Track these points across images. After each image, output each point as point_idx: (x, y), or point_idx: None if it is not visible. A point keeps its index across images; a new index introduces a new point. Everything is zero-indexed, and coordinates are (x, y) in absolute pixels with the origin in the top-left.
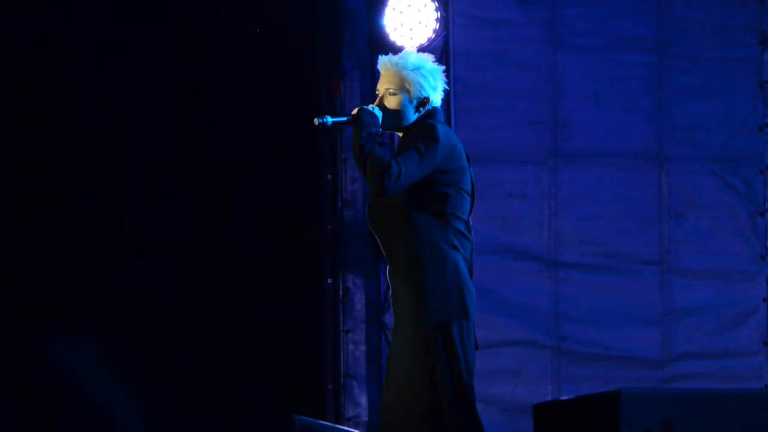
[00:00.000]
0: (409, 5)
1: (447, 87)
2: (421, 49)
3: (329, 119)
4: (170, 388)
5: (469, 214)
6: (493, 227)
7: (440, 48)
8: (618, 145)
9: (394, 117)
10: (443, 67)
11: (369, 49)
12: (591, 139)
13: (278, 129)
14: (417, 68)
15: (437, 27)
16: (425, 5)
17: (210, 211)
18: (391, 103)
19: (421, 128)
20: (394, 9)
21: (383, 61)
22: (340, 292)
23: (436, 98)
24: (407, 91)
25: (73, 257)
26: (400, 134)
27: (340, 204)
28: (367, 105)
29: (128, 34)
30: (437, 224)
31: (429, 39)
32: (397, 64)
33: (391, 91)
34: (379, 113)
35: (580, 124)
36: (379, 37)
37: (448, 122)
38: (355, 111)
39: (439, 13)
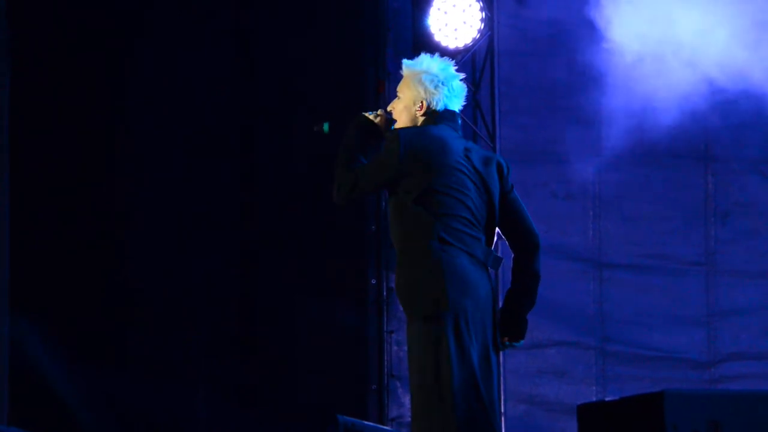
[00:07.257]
0: (454, 5)
1: (471, 88)
2: (467, 49)
3: (326, 126)
4: (216, 387)
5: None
6: (537, 227)
7: (485, 48)
8: (663, 144)
9: (398, 122)
10: (463, 75)
11: (413, 50)
12: (636, 139)
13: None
14: (421, 72)
15: (482, 27)
16: (470, 5)
17: (253, 212)
18: (396, 107)
19: (387, 137)
20: (438, 9)
21: (403, 67)
22: (384, 293)
23: (441, 101)
24: (409, 96)
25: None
26: None
27: (384, 204)
28: (368, 111)
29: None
30: (420, 224)
31: (474, 39)
32: (405, 69)
33: (399, 96)
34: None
35: (625, 123)
36: (424, 37)
37: (492, 121)
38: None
39: (483, 13)
